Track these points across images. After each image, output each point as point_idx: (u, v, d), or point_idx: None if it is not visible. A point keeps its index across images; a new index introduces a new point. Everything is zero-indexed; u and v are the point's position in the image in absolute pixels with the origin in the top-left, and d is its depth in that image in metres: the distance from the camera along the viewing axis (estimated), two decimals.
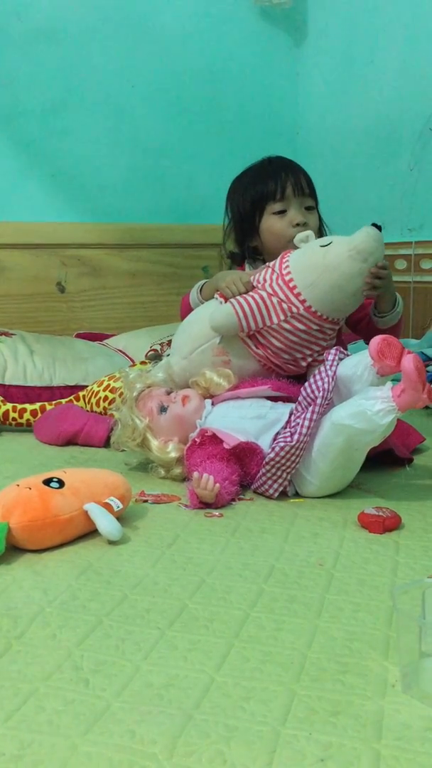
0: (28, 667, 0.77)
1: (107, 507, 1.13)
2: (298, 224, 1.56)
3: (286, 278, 1.41)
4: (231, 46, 2.78)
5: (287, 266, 1.43)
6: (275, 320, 1.41)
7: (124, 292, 2.63)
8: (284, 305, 1.40)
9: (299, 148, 2.86)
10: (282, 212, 1.58)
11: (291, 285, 1.40)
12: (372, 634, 0.83)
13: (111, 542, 1.11)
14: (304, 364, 1.46)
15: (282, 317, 1.41)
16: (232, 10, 2.76)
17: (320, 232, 1.64)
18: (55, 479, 1.13)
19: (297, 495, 1.32)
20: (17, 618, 0.88)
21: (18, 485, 1.12)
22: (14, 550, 1.07)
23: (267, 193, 1.59)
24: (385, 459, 1.45)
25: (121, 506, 1.16)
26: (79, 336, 2.43)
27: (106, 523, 1.10)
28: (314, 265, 1.40)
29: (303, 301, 1.40)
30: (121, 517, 1.18)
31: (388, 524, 1.15)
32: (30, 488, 1.10)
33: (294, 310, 1.40)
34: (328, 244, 1.42)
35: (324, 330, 1.43)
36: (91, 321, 2.56)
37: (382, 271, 1.39)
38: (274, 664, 0.77)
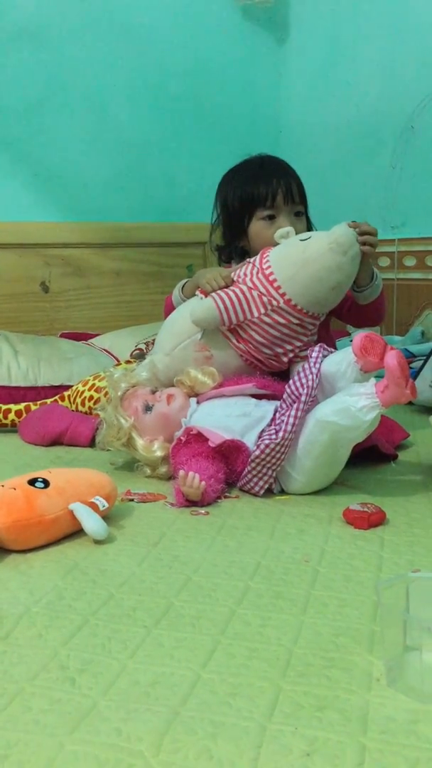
0: (14, 667, 0.77)
1: (93, 506, 1.13)
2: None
3: (266, 272, 1.42)
4: (213, 44, 2.78)
5: (267, 261, 1.44)
6: (255, 313, 1.42)
7: (108, 291, 2.63)
8: (264, 298, 1.41)
9: (282, 146, 2.86)
10: (271, 218, 1.58)
11: (271, 279, 1.41)
12: (357, 629, 0.84)
13: (97, 541, 1.11)
14: (285, 359, 1.46)
15: (262, 310, 1.42)
16: (215, 9, 2.76)
17: None
18: (40, 479, 1.13)
19: (283, 492, 1.33)
20: (3, 618, 0.88)
21: (2, 485, 1.11)
22: (0, 550, 1.07)
23: (257, 198, 1.58)
24: (370, 455, 1.46)
25: (106, 505, 1.16)
26: (63, 336, 2.42)
27: (91, 523, 1.10)
28: (294, 259, 1.41)
29: (283, 294, 1.41)
30: (107, 517, 1.18)
31: (373, 520, 1.15)
32: (15, 488, 1.10)
33: (274, 303, 1.41)
34: (308, 238, 1.43)
35: (304, 324, 1.44)
36: (76, 321, 2.55)
37: (369, 232, 1.43)
38: (260, 660, 0.77)
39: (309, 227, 1.66)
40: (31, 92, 2.50)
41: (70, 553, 1.08)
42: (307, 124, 2.80)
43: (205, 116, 2.80)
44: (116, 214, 2.65)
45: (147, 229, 2.68)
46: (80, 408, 1.82)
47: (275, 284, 1.40)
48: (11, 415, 1.83)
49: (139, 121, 2.68)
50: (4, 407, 1.84)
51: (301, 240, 1.44)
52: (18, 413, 1.83)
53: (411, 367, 2.10)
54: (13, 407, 1.84)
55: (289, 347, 1.45)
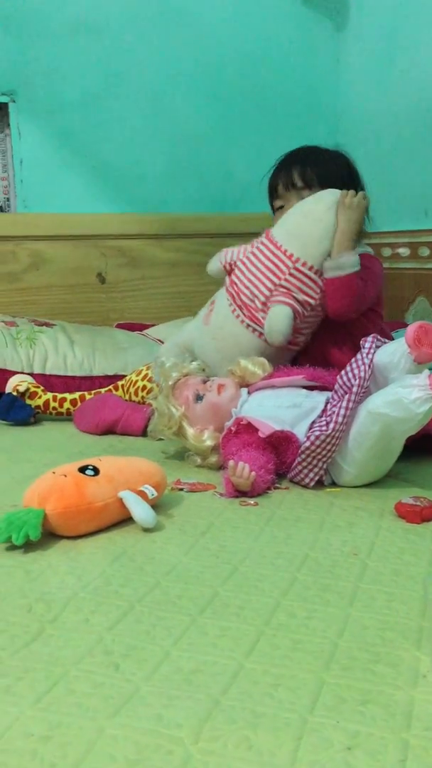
0: (60, 650, 0.78)
1: (142, 495, 1.14)
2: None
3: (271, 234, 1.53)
4: (271, 32, 2.75)
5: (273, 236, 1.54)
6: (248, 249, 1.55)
7: (163, 282, 2.64)
8: (256, 242, 1.56)
9: (341, 133, 2.82)
10: (281, 208, 1.62)
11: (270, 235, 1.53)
12: (405, 624, 0.82)
13: (145, 530, 1.11)
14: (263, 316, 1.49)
15: (252, 247, 1.55)
16: None
17: None
18: (90, 467, 1.14)
19: (333, 484, 1.31)
20: (51, 603, 0.89)
21: (54, 473, 1.13)
22: (50, 536, 1.08)
23: (270, 191, 1.66)
24: (426, 445, 1.43)
25: (155, 494, 1.16)
26: (119, 326, 2.44)
27: (140, 511, 1.11)
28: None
29: (267, 231, 1.53)
30: (156, 505, 1.18)
31: (426, 514, 1.13)
32: (65, 475, 1.11)
33: (260, 239, 1.54)
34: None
35: (292, 273, 1.46)
36: (131, 311, 2.57)
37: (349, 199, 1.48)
38: (304, 652, 0.77)
39: None
40: (89, 84, 2.52)
41: (118, 540, 1.09)
42: (366, 112, 2.75)
43: (262, 105, 2.78)
44: (172, 205, 2.66)
45: (202, 220, 2.67)
46: (133, 398, 1.83)
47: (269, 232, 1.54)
48: (66, 404, 1.86)
49: (195, 112, 2.68)
50: (59, 396, 1.87)
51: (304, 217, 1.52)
52: (73, 402, 1.86)
53: None
54: (68, 396, 1.87)
55: (267, 293, 1.48)
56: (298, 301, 1.47)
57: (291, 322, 1.45)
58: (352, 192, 1.49)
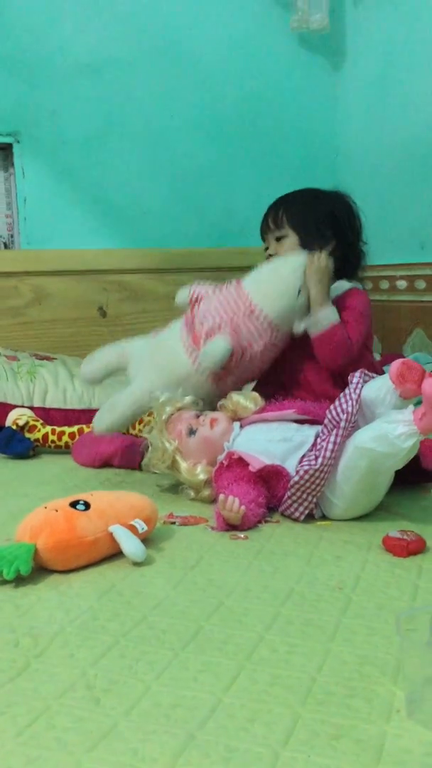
0: (43, 685, 0.80)
1: (132, 529, 1.16)
2: (268, 256, 1.67)
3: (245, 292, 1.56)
4: (269, 72, 2.82)
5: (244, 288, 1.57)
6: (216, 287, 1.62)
7: (164, 315, 2.65)
8: (227, 283, 1.61)
9: (339, 170, 2.87)
10: (266, 249, 1.70)
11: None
12: (384, 659, 0.83)
13: (135, 563, 1.13)
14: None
15: (220, 287, 1.60)
16: (271, 37, 2.80)
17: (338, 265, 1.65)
18: (81, 501, 1.16)
19: (324, 517, 1.33)
20: (38, 637, 0.90)
21: (45, 507, 1.15)
22: (41, 570, 1.10)
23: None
24: (415, 477, 1.43)
25: (146, 528, 1.18)
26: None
27: (130, 545, 1.13)
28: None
29: (239, 279, 1.59)
30: (147, 539, 1.20)
31: (413, 548, 1.14)
32: (57, 510, 1.13)
33: (231, 281, 1.60)
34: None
35: (246, 315, 1.51)
36: None
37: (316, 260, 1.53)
38: (282, 687, 0.78)
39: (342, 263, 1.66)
40: (92, 124, 2.59)
41: (108, 574, 1.10)
42: (363, 149, 2.80)
43: (261, 143, 2.83)
44: (173, 240, 2.71)
45: (203, 255, 2.72)
46: (131, 431, 1.85)
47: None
48: (65, 437, 1.88)
49: (196, 150, 2.74)
50: (58, 429, 1.90)
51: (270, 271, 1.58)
52: (71, 435, 1.88)
53: None
54: (67, 429, 1.89)
55: (216, 321, 1.53)
56: (240, 344, 1.51)
57: (227, 355, 1.48)
58: (318, 255, 1.54)
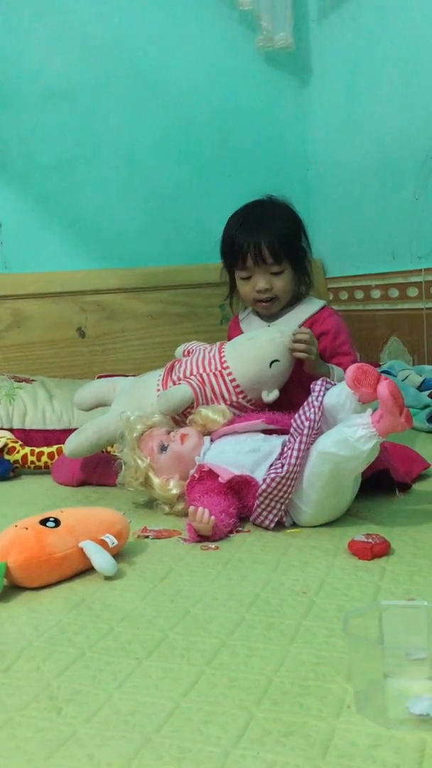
0: (8, 698, 0.82)
1: (103, 544, 1.18)
2: (260, 291, 1.63)
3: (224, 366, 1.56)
4: (237, 91, 2.87)
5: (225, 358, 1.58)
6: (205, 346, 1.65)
7: (142, 333, 2.71)
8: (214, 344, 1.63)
9: (310, 184, 2.93)
10: (248, 278, 1.65)
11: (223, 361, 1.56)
12: (340, 658, 0.85)
13: (106, 578, 1.15)
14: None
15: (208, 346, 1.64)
16: (238, 57, 2.85)
17: (299, 285, 1.68)
18: (51, 519, 1.18)
19: (294, 525, 1.35)
20: (5, 653, 0.92)
21: (16, 526, 1.17)
22: (13, 588, 1.12)
23: (233, 257, 1.65)
24: (385, 484, 1.47)
25: (116, 543, 1.20)
26: (100, 378, 2.50)
27: (100, 560, 1.15)
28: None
29: (223, 343, 1.62)
30: (120, 553, 1.22)
31: (376, 551, 1.16)
32: (27, 528, 1.16)
33: (217, 343, 1.62)
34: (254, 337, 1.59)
35: (215, 375, 1.54)
36: (113, 363, 2.63)
37: (300, 337, 1.51)
38: (239, 689, 0.80)
39: (302, 280, 1.68)
40: (64, 148, 2.63)
41: (79, 589, 1.12)
42: (332, 162, 2.85)
43: (232, 160, 2.88)
44: (149, 258, 2.74)
45: (179, 272, 2.75)
46: (109, 449, 1.87)
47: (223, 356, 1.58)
48: (44, 458, 1.90)
49: (168, 170, 2.78)
50: (37, 450, 1.92)
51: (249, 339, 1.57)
52: (50, 455, 1.90)
53: None
54: (46, 450, 1.92)
55: (189, 371, 1.58)
56: (205, 396, 1.54)
57: (185, 402, 1.52)
58: (299, 332, 1.53)
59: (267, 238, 1.60)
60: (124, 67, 2.69)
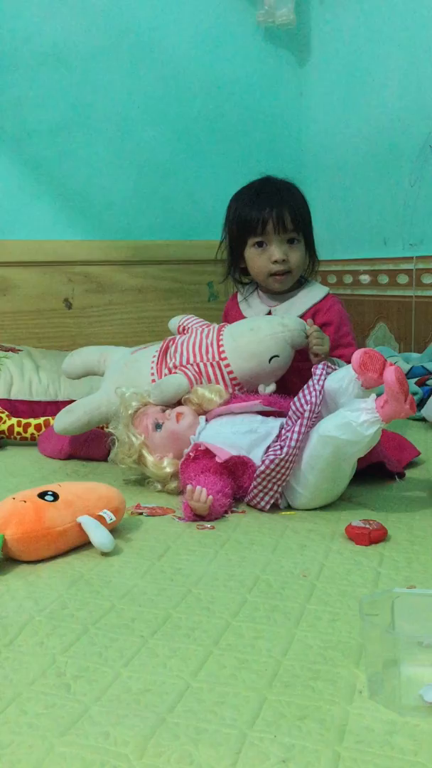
0: (14, 672, 0.81)
1: (100, 519, 1.17)
2: (276, 261, 1.59)
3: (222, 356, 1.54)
4: (235, 65, 2.84)
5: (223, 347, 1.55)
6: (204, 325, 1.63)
7: (130, 307, 2.68)
8: (213, 325, 1.61)
9: (304, 165, 2.91)
10: (261, 244, 1.61)
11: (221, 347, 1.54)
12: (346, 643, 0.86)
13: (104, 554, 1.14)
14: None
15: (207, 326, 1.61)
16: (237, 31, 2.82)
17: (308, 264, 1.66)
18: (49, 493, 1.17)
19: (289, 507, 1.35)
20: (8, 626, 0.91)
21: (14, 498, 1.16)
22: (10, 561, 1.11)
23: (249, 225, 1.60)
24: (379, 472, 1.48)
25: (114, 519, 1.19)
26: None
27: (98, 535, 1.14)
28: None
29: (222, 326, 1.59)
30: (115, 529, 1.22)
31: (374, 536, 1.17)
32: (25, 501, 1.14)
33: (216, 325, 1.60)
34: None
35: (212, 365, 1.52)
36: (98, 336, 2.61)
37: (315, 334, 1.50)
38: (249, 671, 0.80)
39: (310, 254, 1.66)
40: (56, 115, 2.58)
41: (76, 564, 1.11)
42: (328, 144, 2.84)
43: (226, 136, 2.85)
44: (138, 232, 2.71)
45: (169, 247, 2.73)
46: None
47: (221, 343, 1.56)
48: (31, 429, 1.88)
49: (161, 142, 2.75)
50: (24, 421, 1.90)
51: (250, 330, 1.53)
52: (37, 427, 1.88)
53: (427, 384, 2.12)
54: (33, 421, 1.90)
55: (185, 358, 1.56)
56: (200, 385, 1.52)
57: (180, 393, 1.50)
58: (311, 330, 1.52)
59: (289, 206, 1.59)
60: (121, 34, 2.64)
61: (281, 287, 1.64)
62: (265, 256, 1.61)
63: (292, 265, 1.61)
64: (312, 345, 1.51)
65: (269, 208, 1.58)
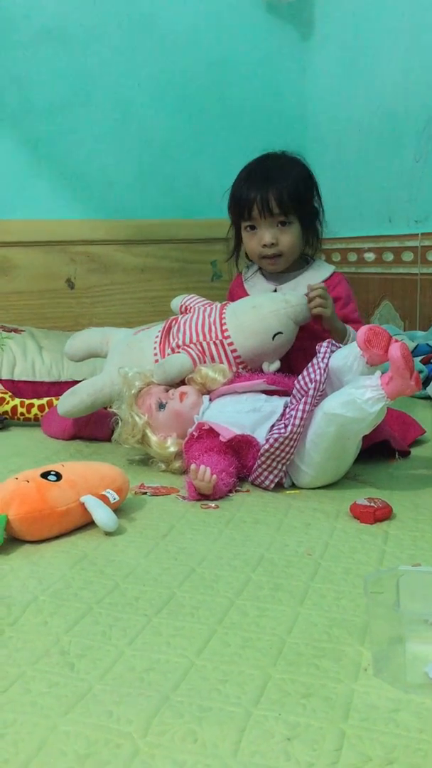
0: (18, 652, 0.81)
1: (104, 499, 1.16)
2: (265, 245, 1.57)
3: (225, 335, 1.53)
4: (237, 41, 2.79)
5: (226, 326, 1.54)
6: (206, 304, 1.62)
7: (133, 287, 2.67)
8: (215, 304, 1.60)
9: (307, 141, 2.86)
10: (253, 228, 1.59)
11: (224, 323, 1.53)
12: (351, 621, 0.85)
13: (107, 533, 1.14)
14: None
15: (209, 305, 1.60)
16: (239, 5, 2.77)
17: (307, 242, 1.63)
18: (53, 472, 1.16)
19: (293, 487, 1.35)
20: (11, 606, 0.91)
21: (17, 478, 1.15)
22: (13, 541, 1.11)
23: (240, 209, 1.59)
24: (383, 451, 1.47)
25: (117, 498, 1.19)
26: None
27: (102, 515, 1.14)
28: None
29: (225, 304, 1.58)
30: (119, 509, 1.21)
31: (379, 515, 1.17)
32: (28, 481, 1.14)
33: (218, 304, 1.59)
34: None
35: (216, 344, 1.51)
36: (101, 316, 2.59)
37: (316, 293, 1.48)
38: (254, 649, 0.80)
39: (311, 232, 1.63)
40: (56, 92, 2.55)
41: (80, 544, 1.11)
42: (331, 120, 2.80)
43: (229, 113, 2.82)
44: (141, 211, 2.69)
45: (171, 226, 2.70)
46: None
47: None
48: (34, 410, 1.88)
49: (162, 119, 2.71)
50: (27, 402, 1.89)
51: (252, 307, 1.52)
52: (40, 408, 1.88)
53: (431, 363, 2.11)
54: (36, 402, 1.89)
55: (188, 338, 1.54)
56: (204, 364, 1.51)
57: (183, 373, 1.49)
58: (313, 288, 1.50)
59: (275, 189, 1.54)
60: (121, 9, 2.60)
61: (274, 269, 1.63)
62: (256, 239, 1.59)
63: (283, 248, 1.57)
64: (314, 305, 1.48)
65: (255, 192, 1.55)
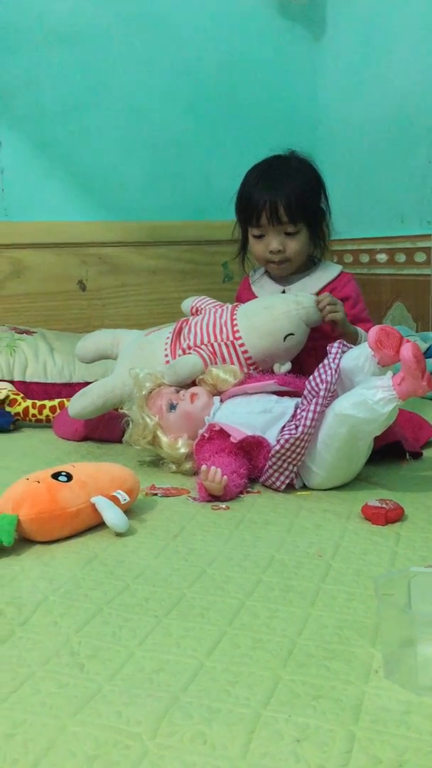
0: (28, 652, 0.81)
1: (114, 500, 1.16)
2: (272, 251, 1.57)
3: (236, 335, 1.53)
4: (249, 41, 2.79)
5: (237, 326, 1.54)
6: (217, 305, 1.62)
7: (144, 289, 2.67)
8: (226, 305, 1.59)
9: (319, 142, 2.85)
10: (260, 236, 1.59)
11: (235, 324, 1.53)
12: (362, 623, 0.85)
13: (118, 534, 1.14)
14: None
15: (220, 307, 1.60)
16: (250, 6, 2.77)
17: (314, 245, 1.63)
18: (63, 473, 1.17)
19: (304, 487, 1.34)
20: (22, 606, 0.91)
21: (27, 479, 1.15)
22: (24, 541, 1.11)
23: (247, 215, 1.59)
24: (395, 452, 1.46)
25: (128, 499, 1.19)
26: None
27: (112, 516, 1.13)
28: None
29: (236, 306, 1.57)
30: (129, 510, 1.21)
31: (391, 516, 1.16)
32: (39, 482, 1.14)
33: (228, 305, 1.59)
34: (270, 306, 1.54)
35: (227, 345, 1.50)
36: (113, 318, 2.60)
37: (327, 300, 1.48)
38: (264, 651, 0.79)
39: (319, 236, 1.63)
40: (68, 94, 2.55)
41: (91, 544, 1.11)
42: (343, 120, 2.79)
43: (240, 114, 2.81)
44: (152, 213, 2.69)
45: (183, 228, 2.71)
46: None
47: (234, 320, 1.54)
48: (46, 411, 1.88)
49: (174, 120, 2.71)
50: (39, 403, 1.89)
51: (264, 308, 1.51)
52: (52, 409, 1.88)
53: None
54: (48, 403, 1.89)
55: (199, 339, 1.54)
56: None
57: (194, 374, 1.48)
58: (321, 299, 1.50)
59: (284, 197, 1.54)
60: (133, 11, 2.60)
61: (280, 273, 1.64)
62: (262, 245, 1.60)
63: (290, 254, 1.58)
64: (326, 313, 1.48)
65: (264, 199, 1.55)
